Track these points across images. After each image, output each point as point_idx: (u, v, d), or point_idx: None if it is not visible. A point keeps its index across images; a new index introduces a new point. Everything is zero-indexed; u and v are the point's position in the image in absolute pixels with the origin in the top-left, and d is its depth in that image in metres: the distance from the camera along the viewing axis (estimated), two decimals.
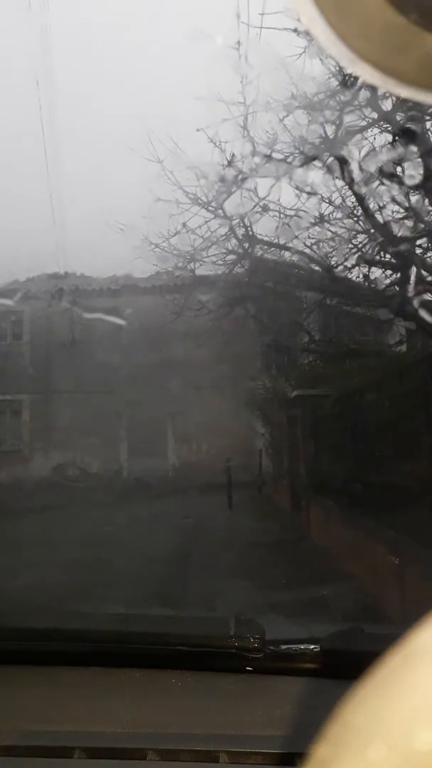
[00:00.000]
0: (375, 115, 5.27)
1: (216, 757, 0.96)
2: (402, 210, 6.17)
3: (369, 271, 7.10)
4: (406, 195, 5.96)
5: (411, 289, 6.55)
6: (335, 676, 1.08)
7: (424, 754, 0.24)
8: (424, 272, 6.23)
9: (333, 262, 7.30)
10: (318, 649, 1.21)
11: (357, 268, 7.16)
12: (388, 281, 6.94)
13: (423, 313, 6.18)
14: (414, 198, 6.02)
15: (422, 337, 6.94)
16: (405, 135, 4.87)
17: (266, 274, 8.28)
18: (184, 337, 11.14)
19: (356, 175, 5.70)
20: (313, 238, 7.39)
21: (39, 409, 16.57)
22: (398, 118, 4.98)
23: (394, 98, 4.52)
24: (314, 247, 7.44)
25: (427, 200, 5.80)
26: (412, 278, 6.35)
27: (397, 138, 5.05)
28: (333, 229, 7.10)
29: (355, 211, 6.50)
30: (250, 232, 7.37)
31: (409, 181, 5.47)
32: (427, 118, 4.88)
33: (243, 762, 0.97)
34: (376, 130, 5.53)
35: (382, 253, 6.75)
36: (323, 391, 8.16)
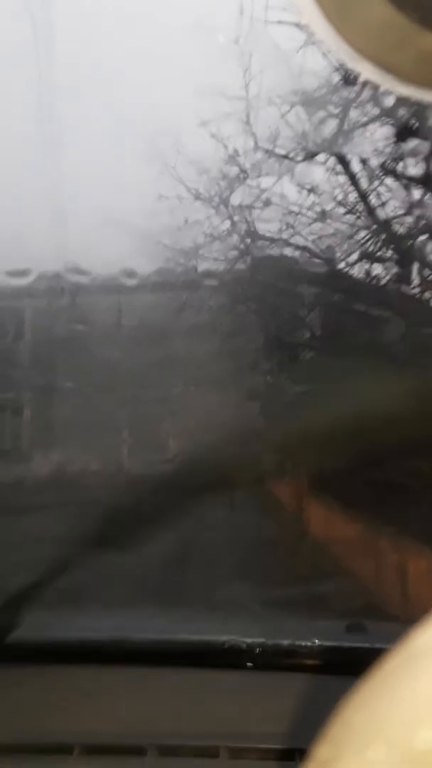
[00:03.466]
0: (377, 111, 5.25)
1: (216, 753, 0.96)
2: (404, 206, 6.16)
3: (371, 268, 7.09)
4: (408, 191, 5.95)
5: (412, 285, 6.54)
6: (335, 673, 1.08)
7: (424, 754, 0.24)
8: (426, 269, 6.22)
9: (335, 258, 7.29)
10: (318, 645, 1.21)
11: (359, 264, 7.15)
12: (389, 277, 6.93)
13: (425, 310, 6.17)
14: (416, 194, 6.01)
15: (424, 334, 6.92)
16: (407, 131, 4.86)
17: (268, 270, 8.26)
18: (186, 333, 11.13)
19: (358, 170, 5.69)
20: (314, 234, 7.37)
21: (39, 407, 16.56)
22: (401, 114, 4.96)
23: (395, 95, 4.50)
24: (316, 243, 7.43)
25: (428, 195, 5.78)
26: (414, 275, 6.34)
27: (399, 134, 5.04)
28: (335, 225, 7.08)
29: (357, 207, 6.48)
30: (252, 228, 7.35)
31: (410, 177, 5.46)
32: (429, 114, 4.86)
33: (243, 757, 0.97)
34: (378, 126, 5.51)
35: (384, 250, 6.73)
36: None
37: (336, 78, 5.30)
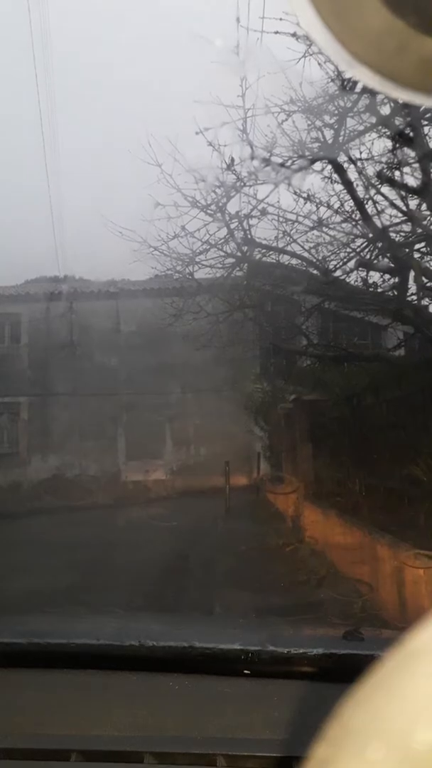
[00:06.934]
0: (373, 120, 5.28)
1: (213, 761, 0.96)
2: (400, 214, 6.19)
3: (367, 275, 7.12)
4: (404, 199, 5.98)
5: (409, 293, 6.57)
6: (333, 680, 1.08)
7: (423, 754, 0.24)
8: (422, 277, 6.24)
9: (331, 266, 7.32)
10: (316, 652, 1.21)
11: (355, 271, 7.18)
12: (386, 285, 6.96)
13: (421, 317, 6.19)
14: (412, 202, 6.04)
15: (420, 341, 6.95)
16: (403, 139, 4.89)
17: (265, 278, 8.29)
18: (183, 340, 11.15)
19: (354, 179, 5.72)
20: (311, 242, 7.41)
21: (37, 412, 16.58)
22: (397, 122, 5.00)
23: (392, 103, 4.54)
24: (313, 250, 7.46)
25: (425, 204, 5.81)
26: (410, 282, 6.37)
27: (395, 142, 5.07)
28: (331, 232, 7.12)
29: (353, 215, 6.51)
30: (249, 236, 7.38)
31: (407, 186, 5.49)
32: (425, 122, 4.89)
33: (240, 766, 0.97)
34: (374, 135, 5.55)
35: (380, 257, 6.76)
36: (321, 395, 8.16)
37: (333, 87, 5.34)
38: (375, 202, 6.10)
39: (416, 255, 6.37)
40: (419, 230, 6.30)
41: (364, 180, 5.77)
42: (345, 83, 4.94)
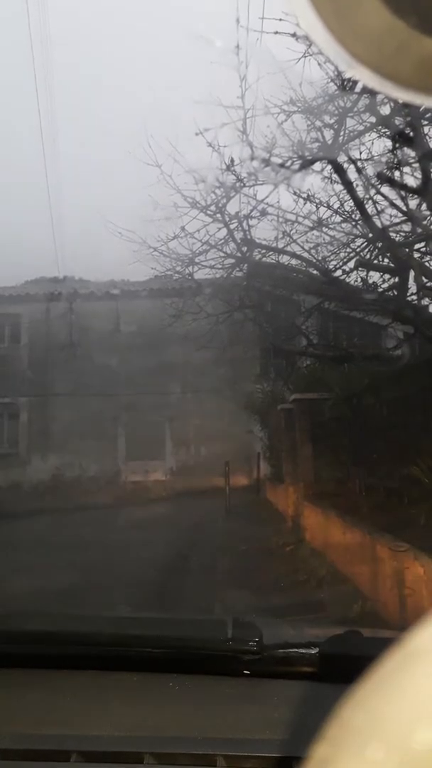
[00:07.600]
0: (373, 120, 5.29)
1: (213, 761, 0.96)
2: (400, 214, 6.19)
3: (367, 275, 7.11)
4: (404, 199, 5.98)
5: (409, 293, 6.57)
6: (333, 680, 1.08)
7: (423, 754, 0.24)
8: (422, 276, 6.24)
9: (331, 266, 7.32)
10: (316, 652, 1.21)
11: (355, 272, 7.18)
12: (386, 285, 6.96)
13: (421, 317, 6.19)
14: (412, 202, 6.04)
15: (420, 341, 6.95)
16: (403, 139, 4.89)
17: (264, 278, 8.29)
18: (183, 340, 11.16)
19: (354, 179, 5.72)
20: (311, 242, 7.41)
21: (37, 412, 16.58)
22: (397, 122, 5.00)
23: (392, 103, 4.54)
24: (312, 251, 7.46)
25: (425, 204, 5.81)
26: (410, 282, 6.37)
27: (395, 142, 5.07)
28: (331, 233, 7.12)
29: (353, 215, 6.51)
30: (249, 236, 7.38)
31: (407, 186, 5.49)
32: (425, 122, 4.89)
33: (241, 766, 0.97)
34: (374, 135, 5.55)
35: (380, 257, 6.76)
36: (321, 395, 8.16)
37: (333, 87, 5.34)
38: (375, 202, 6.10)
39: (416, 255, 6.37)
40: (419, 230, 6.30)
41: (364, 180, 5.77)
42: (345, 83, 4.94)
